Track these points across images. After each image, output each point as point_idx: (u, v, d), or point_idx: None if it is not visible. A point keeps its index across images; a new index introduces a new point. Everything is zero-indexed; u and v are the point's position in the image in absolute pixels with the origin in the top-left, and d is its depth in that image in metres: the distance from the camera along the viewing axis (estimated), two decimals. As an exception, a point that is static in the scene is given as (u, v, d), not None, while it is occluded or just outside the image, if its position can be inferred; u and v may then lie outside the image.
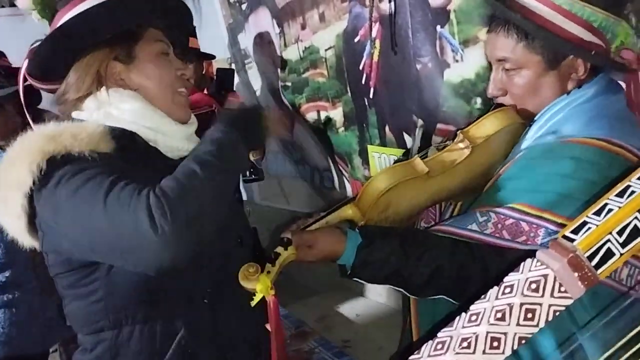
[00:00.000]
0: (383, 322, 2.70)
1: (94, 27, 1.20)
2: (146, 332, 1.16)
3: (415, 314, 1.38)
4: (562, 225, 1.03)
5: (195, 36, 2.60)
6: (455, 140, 1.28)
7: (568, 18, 1.16)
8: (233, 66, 3.75)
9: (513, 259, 1.08)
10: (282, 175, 3.66)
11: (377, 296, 3.01)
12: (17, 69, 3.09)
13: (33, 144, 1.11)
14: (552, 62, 1.20)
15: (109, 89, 1.21)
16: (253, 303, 1.11)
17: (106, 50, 1.21)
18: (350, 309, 2.97)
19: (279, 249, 1.17)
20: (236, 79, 3.68)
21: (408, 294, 1.25)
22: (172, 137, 1.23)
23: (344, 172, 2.98)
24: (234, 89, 3.38)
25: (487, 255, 1.15)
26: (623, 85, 1.37)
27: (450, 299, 1.20)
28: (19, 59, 3.54)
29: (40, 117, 2.95)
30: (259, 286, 1.11)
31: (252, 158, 2.43)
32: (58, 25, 1.23)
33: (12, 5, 4.10)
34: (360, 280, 1.22)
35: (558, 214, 1.08)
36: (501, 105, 1.30)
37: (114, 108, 1.20)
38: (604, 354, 0.82)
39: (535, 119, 1.24)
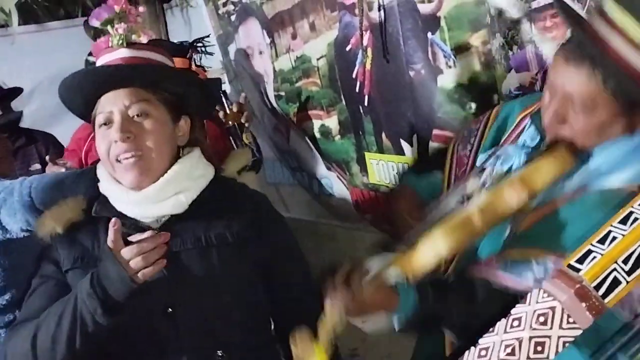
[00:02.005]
0: (390, 328, 2.70)
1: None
2: None
3: None
4: None
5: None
6: (508, 183, 1.15)
7: None
8: (225, 76, 3.74)
9: None
10: (280, 183, 3.65)
11: (382, 301, 3.01)
12: (7, 91, 3.12)
13: None
14: (625, 107, 1.10)
15: None
16: None
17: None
18: (356, 315, 2.97)
19: (330, 311, 1.08)
20: (229, 89, 3.68)
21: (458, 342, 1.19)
22: (119, 201, 1.28)
23: (342, 179, 2.98)
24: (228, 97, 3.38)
25: None
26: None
27: None
28: (10, 81, 3.54)
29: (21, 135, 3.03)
30: (316, 357, 1.04)
31: (245, 141, 2.45)
32: None
33: (1, 26, 4.07)
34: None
35: None
36: (554, 142, 1.18)
37: None
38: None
39: (591, 155, 1.15)
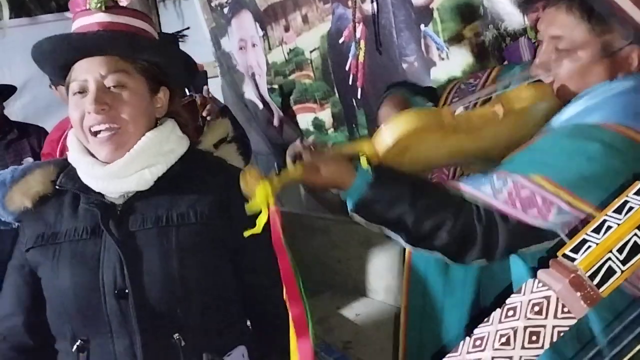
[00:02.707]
0: (383, 321, 2.70)
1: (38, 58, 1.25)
2: None
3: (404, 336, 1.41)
4: (574, 208, 1.03)
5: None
6: (489, 102, 1.21)
7: (637, 6, 1.12)
8: (218, 69, 3.72)
9: (518, 230, 1.08)
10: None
11: (375, 294, 3.01)
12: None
13: None
14: (607, 50, 1.16)
15: None
16: (248, 210, 1.01)
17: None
18: (350, 308, 2.97)
19: (288, 161, 1.08)
20: (220, 82, 3.66)
21: (405, 243, 1.17)
22: (85, 174, 1.21)
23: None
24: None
25: (493, 220, 1.10)
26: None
27: (446, 257, 1.16)
28: (1, 74, 3.51)
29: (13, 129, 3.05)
30: (258, 193, 1.00)
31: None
32: None
33: (-8, 20, 4.05)
34: (359, 218, 1.15)
35: (574, 194, 1.05)
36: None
37: None
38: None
39: (572, 100, 1.19)
